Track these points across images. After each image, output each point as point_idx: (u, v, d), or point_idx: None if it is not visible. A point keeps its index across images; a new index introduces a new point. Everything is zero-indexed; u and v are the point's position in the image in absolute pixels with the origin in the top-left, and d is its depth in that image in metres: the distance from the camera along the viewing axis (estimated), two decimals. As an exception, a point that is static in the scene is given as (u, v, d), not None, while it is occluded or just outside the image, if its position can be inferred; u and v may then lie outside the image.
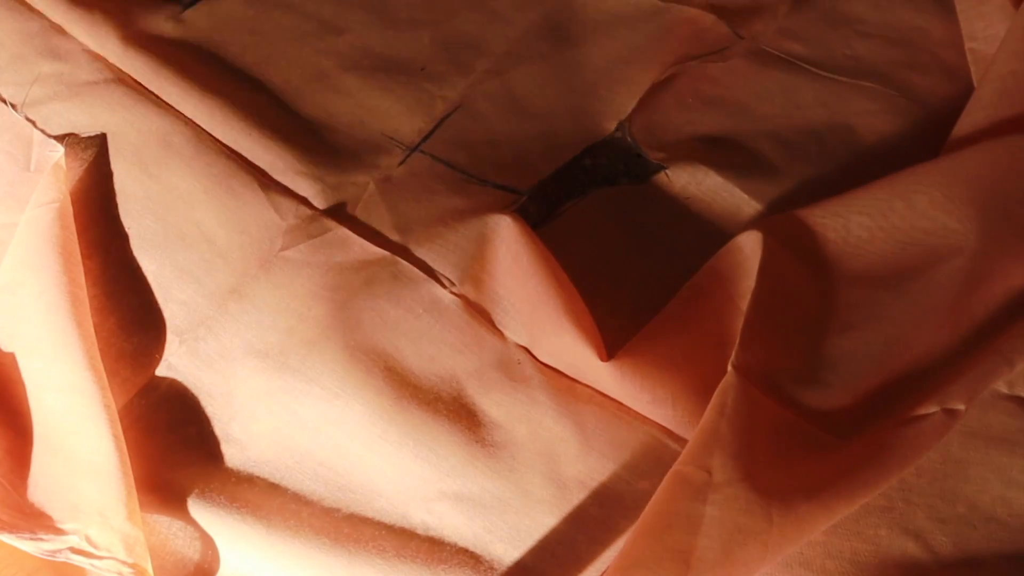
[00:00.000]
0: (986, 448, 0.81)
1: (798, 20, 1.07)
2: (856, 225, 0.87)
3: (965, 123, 0.94)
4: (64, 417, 0.81)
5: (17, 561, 0.78)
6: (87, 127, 0.95)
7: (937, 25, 1.07)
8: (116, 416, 0.81)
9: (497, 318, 0.89)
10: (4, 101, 0.96)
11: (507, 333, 0.88)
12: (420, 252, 0.91)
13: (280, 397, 0.85)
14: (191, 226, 0.92)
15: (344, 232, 0.92)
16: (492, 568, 0.81)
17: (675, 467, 0.76)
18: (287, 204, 0.93)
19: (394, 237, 0.92)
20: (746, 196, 0.95)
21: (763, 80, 1.04)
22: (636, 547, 0.74)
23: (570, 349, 0.84)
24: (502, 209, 0.93)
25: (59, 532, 0.78)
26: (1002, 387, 0.83)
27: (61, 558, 0.77)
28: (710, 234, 0.93)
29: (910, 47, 1.05)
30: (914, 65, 1.04)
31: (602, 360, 0.82)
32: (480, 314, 0.89)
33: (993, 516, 0.80)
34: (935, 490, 0.80)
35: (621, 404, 0.85)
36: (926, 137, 0.98)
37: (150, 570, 0.79)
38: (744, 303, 0.84)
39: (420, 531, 0.82)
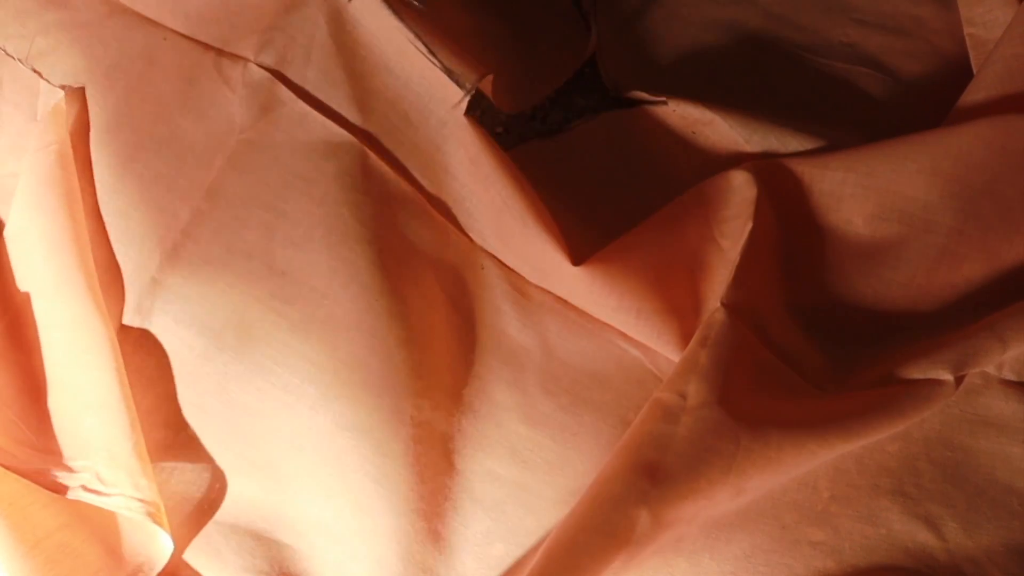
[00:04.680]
0: (997, 436, 0.81)
1: (793, 7, 1.08)
2: (841, 180, 0.88)
3: (965, 103, 0.94)
4: (69, 354, 0.82)
5: (32, 492, 0.78)
6: (85, 68, 0.92)
7: (932, 13, 1.07)
8: (118, 349, 0.81)
9: (462, 220, 0.88)
10: (9, 55, 0.93)
11: (472, 235, 0.88)
12: (386, 142, 0.88)
13: (269, 301, 0.83)
14: (166, 129, 0.89)
15: (301, 107, 0.88)
16: (462, 474, 0.81)
17: (654, 395, 0.78)
18: (235, 71, 0.89)
19: (354, 118, 0.88)
20: (747, 146, 0.94)
21: (761, 69, 1.05)
22: (610, 465, 0.76)
23: (539, 255, 0.85)
24: (455, 107, 0.87)
25: (70, 470, 0.80)
26: (1010, 375, 0.82)
27: (73, 496, 0.79)
28: (710, 170, 0.92)
29: (906, 35, 1.06)
30: (910, 53, 1.05)
31: (573, 265, 0.83)
32: (446, 215, 0.88)
33: (1003, 504, 0.79)
34: (946, 476, 0.80)
35: (583, 313, 0.86)
36: (922, 123, 0.96)
37: (160, 502, 0.79)
38: (719, 231, 0.85)
39: (410, 425, 0.81)
